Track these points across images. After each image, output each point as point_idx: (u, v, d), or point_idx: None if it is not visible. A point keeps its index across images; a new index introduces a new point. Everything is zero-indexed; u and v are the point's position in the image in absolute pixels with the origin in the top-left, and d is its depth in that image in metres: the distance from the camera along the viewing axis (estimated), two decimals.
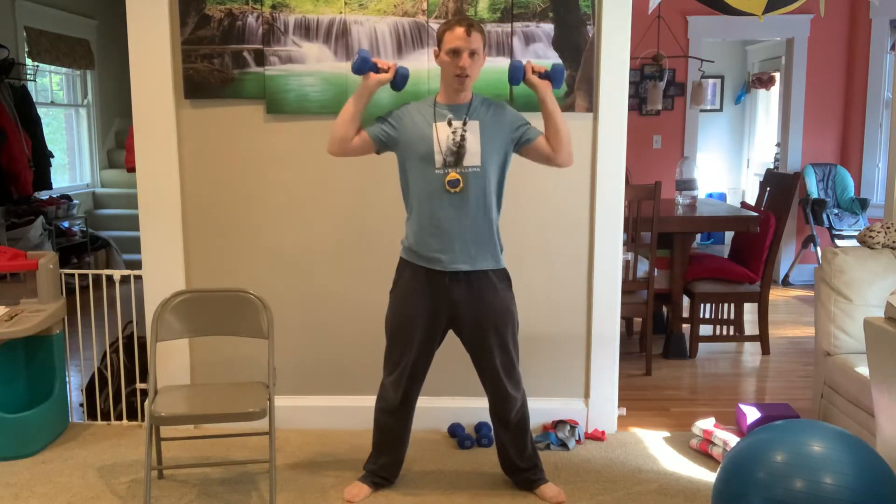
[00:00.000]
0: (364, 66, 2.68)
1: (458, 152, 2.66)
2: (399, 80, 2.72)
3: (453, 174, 2.66)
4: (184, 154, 3.38)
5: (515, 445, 2.91)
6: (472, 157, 2.67)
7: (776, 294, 6.37)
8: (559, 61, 3.28)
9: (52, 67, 7.15)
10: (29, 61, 6.65)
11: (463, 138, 2.67)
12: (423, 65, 3.27)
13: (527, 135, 2.74)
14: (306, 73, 3.31)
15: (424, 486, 2.98)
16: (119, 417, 3.60)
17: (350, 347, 3.49)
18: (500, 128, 2.72)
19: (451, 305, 2.75)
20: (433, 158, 2.67)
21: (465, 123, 2.68)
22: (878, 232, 3.41)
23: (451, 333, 2.87)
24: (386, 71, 2.69)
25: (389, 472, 2.96)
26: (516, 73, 2.73)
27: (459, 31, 2.61)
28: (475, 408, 3.44)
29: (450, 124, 2.68)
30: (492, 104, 2.76)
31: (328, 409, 3.51)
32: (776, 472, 2.06)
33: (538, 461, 2.95)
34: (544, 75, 2.72)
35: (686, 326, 4.76)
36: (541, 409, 3.40)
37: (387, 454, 2.94)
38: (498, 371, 2.80)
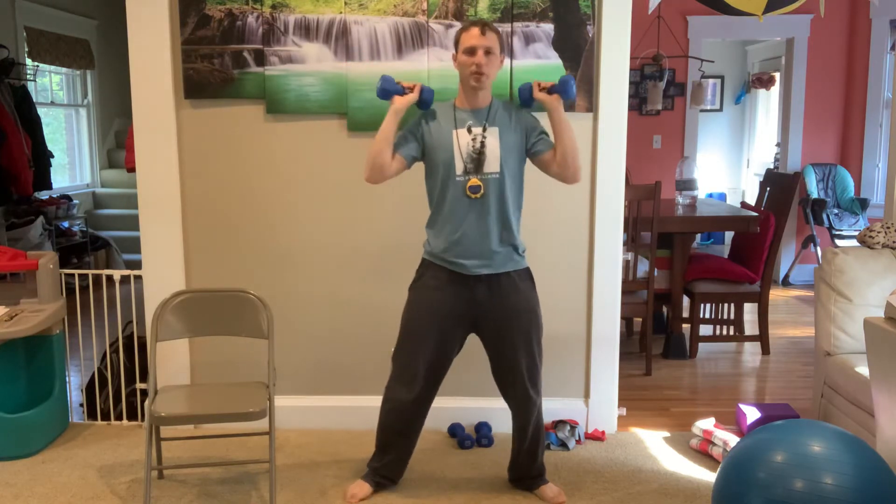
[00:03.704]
0: (388, 92, 2.69)
1: (478, 159, 2.66)
2: (425, 97, 2.72)
3: (474, 180, 2.65)
4: (184, 154, 3.39)
5: (530, 455, 2.88)
6: (493, 164, 2.66)
7: (776, 294, 6.37)
8: (561, 63, 3.28)
9: (52, 67, 7.15)
10: (29, 61, 6.65)
11: (483, 145, 2.66)
12: (422, 65, 3.27)
13: (537, 146, 2.73)
14: (306, 73, 3.31)
15: (424, 486, 2.98)
16: (119, 417, 3.60)
17: (350, 347, 3.49)
18: (519, 133, 2.72)
19: (473, 306, 2.73)
20: (454, 165, 2.67)
21: (484, 129, 2.68)
22: (878, 232, 3.41)
23: None
24: (411, 90, 2.70)
25: (394, 470, 2.92)
26: (524, 94, 2.73)
27: (475, 30, 2.63)
28: (475, 408, 3.45)
29: (469, 131, 2.67)
30: (512, 108, 2.76)
31: (328, 409, 3.51)
32: (776, 472, 2.06)
33: (544, 469, 2.93)
34: (552, 89, 2.70)
35: (686, 326, 4.76)
36: None
37: (393, 453, 2.89)
38: (522, 373, 2.77)
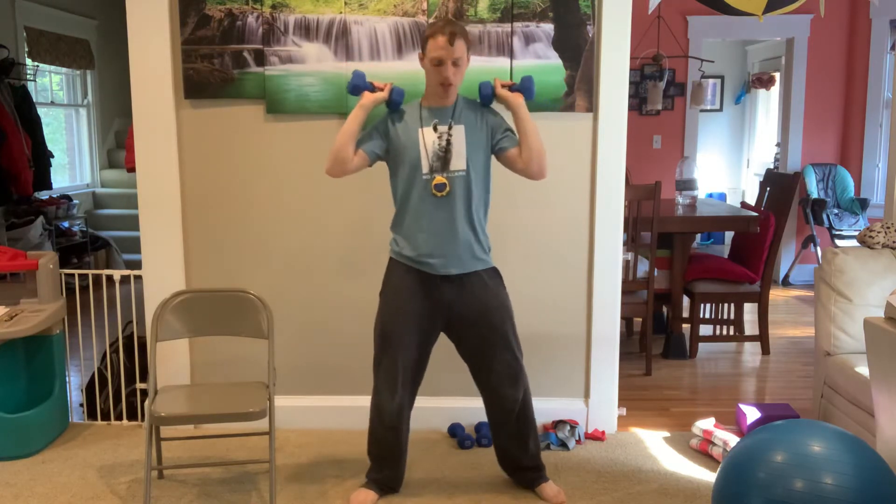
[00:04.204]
0: (359, 87, 2.70)
1: (444, 157, 2.66)
2: (395, 97, 2.72)
3: (440, 178, 2.65)
4: (184, 154, 3.39)
5: (518, 443, 2.87)
6: (458, 161, 2.67)
7: (776, 294, 6.37)
8: (561, 63, 3.28)
9: (52, 67, 7.15)
10: (29, 61, 6.66)
11: (449, 143, 2.66)
12: None
13: (502, 143, 2.73)
14: (306, 73, 3.31)
15: (425, 486, 2.98)
16: (119, 417, 3.60)
17: (350, 347, 3.49)
18: (484, 131, 2.72)
19: (444, 306, 2.73)
20: (420, 164, 2.67)
21: (450, 128, 2.68)
22: (878, 232, 3.41)
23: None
24: (381, 90, 2.71)
25: (395, 481, 2.91)
26: (486, 91, 2.74)
27: (442, 40, 2.58)
28: (475, 408, 3.44)
29: (435, 129, 2.68)
30: (477, 106, 2.76)
31: (328, 409, 3.51)
32: (776, 472, 2.06)
33: (541, 460, 2.93)
34: (515, 88, 2.72)
35: (686, 326, 4.76)
36: (541, 409, 3.37)
37: (390, 466, 2.88)
38: (499, 369, 2.77)
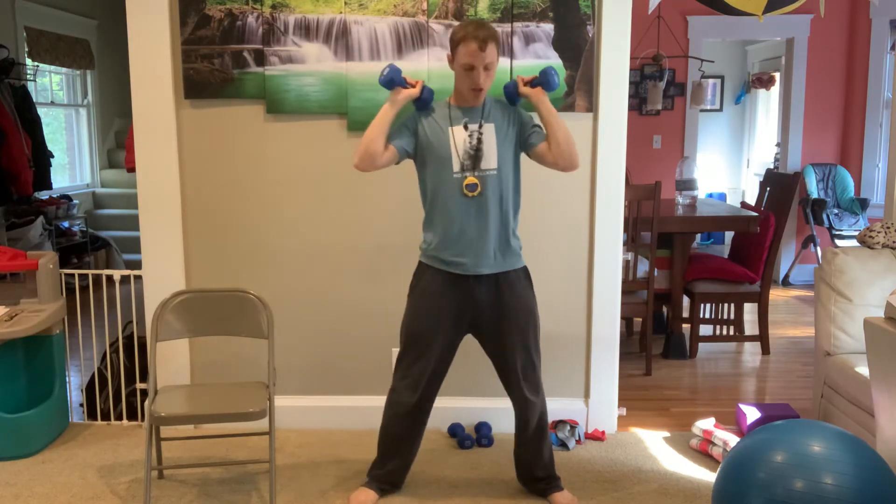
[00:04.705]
0: (393, 81, 2.67)
1: (475, 156, 2.64)
2: (426, 96, 2.70)
3: (471, 178, 2.64)
4: (184, 154, 3.39)
5: (533, 455, 2.86)
6: (489, 160, 2.65)
7: (776, 294, 6.37)
8: (561, 63, 3.28)
9: (52, 67, 7.15)
10: (29, 61, 6.66)
11: (479, 141, 2.64)
12: (422, 65, 3.27)
13: (531, 139, 2.71)
14: (306, 73, 3.31)
15: (424, 486, 2.98)
16: (119, 417, 3.60)
17: (350, 348, 3.49)
18: (513, 129, 2.71)
19: (473, 306, 2.71)
20: (451, 163, 2.65)
21: (480, 126, 2.66)
22: (878, 232, 3.41)
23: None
24: (413, 86, 2.68)
25: (397, 477, 2.90)
26: (510, 90, 2.73)
27: (473, 46, 2.55)
28: (475, 408, 3.45)
29: (466, 128, 2.66)
30: (505, 105, 2.75)
31: (328, 409, 3.51)
32: (776, 472, 2.06)
33: (554, 470, 2.90)
34: (535, 82, 2.70)
35: (686, 326, 4.76)
36: None
37: (397, 459, 2.87)
38: (518, 374, 2.76)
